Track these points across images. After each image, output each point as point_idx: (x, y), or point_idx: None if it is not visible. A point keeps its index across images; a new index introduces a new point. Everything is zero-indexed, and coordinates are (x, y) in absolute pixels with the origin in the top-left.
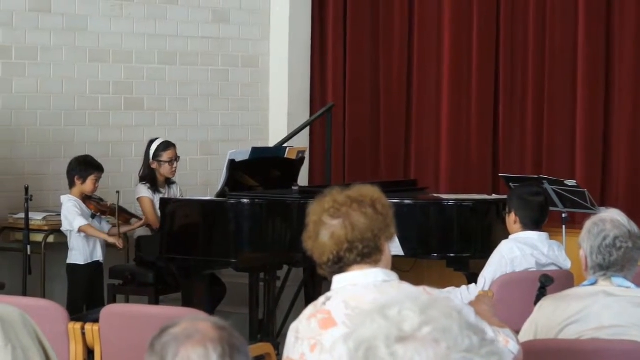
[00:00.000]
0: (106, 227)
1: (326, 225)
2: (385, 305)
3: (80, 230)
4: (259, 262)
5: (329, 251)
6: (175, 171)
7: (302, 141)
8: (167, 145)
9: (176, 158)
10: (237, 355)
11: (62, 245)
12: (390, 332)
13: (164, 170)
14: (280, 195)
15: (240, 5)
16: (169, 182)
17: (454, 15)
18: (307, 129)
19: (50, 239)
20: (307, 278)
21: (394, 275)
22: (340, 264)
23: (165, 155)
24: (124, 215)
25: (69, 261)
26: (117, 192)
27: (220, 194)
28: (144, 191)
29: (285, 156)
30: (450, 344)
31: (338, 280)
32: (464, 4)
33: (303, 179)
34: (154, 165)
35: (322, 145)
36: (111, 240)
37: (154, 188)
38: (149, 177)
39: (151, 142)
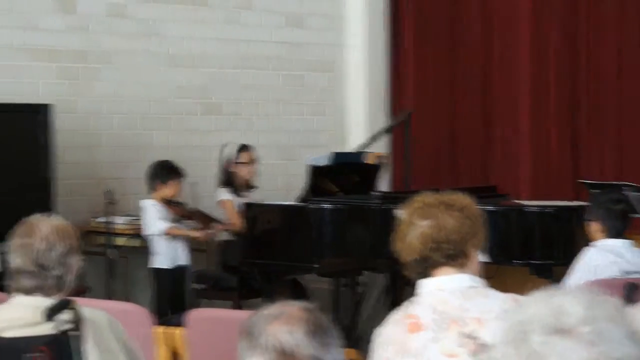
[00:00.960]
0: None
1: (415, 226)
2: (553, 293)
3: (167, 233)
4: (340, 268)
5: (416, 251)
6: (253, 173)
7: (382, 146)
8: (243, 148)
9: (254, 160)
10: (323, 335)
11: (143, 248)
12: (549, 321)
13: (243, 172)
14: (361, 201)
15: (314, 10)
16: (249, 186)
17: (533, 16)
18: (388, 134)
19: (133, 242)
20: (390, 283)
21: (480, 281)
22: (426, 264)
23: (242, 158)
24: (205, 218)
25: (154, 265)
26: (194, 183)
27: (302, 199)
28: (225, 194)
29: (365, 161)
30: (604, 349)
31: (424, 285)
32: (543, 6)
33: (383, 185)
34: (233, 168)
35: (401, 150)
36: (197, 234)
37: (235, 191)
38: (227, 180)
39: (224, 146)
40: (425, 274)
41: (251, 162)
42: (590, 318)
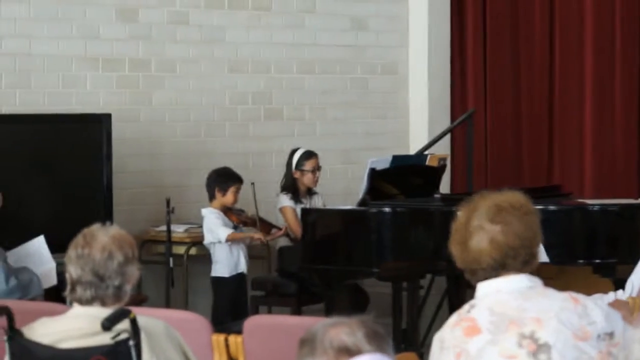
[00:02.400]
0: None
1: (485, 230)
2: None
3: (228, 240)
4: (401, 271)
5: (489, 256)
6: (317, 181)
7: (443, 148)
8: (309, 155)
9: (318, 167)
10: (381, 340)
11: (204, 257)
12: None
13: (307, 179)
14: (422, 203)
15: (378, 12)
16: (310, 192)
17: (596, 15)
18: (448, 136)
19: (192, 251)
20: (451, 286)
21: (538, 281)
22: (500, 270)
23: (308, 165)
24: (265, 225)
25: (214, 274)
26: (252, 183)
27: (362, 202)
28: (286, 201)
29: (427, 164)
30: None
31: (482, 287)
32: (606, 2)
33: (445, 187)
34: (297, 175)
35: (463, 152)
36: (258, 235)
37: (296, 198)
38: (291, 187)
39: (293, 151)
40: (490, 278)
41: (316, 169)
42: None
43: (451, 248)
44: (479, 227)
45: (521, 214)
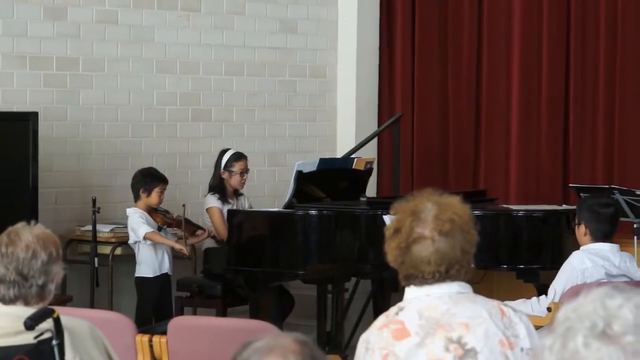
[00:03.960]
0: (172, 238)
1: (433, 240)
2: (613, 292)
3: (146, 238)
4: (327, 274)
5: (434, 267)
6: (244, 183)
7: (370, 152)
8: (239, 156)
9: (246, 170)
10: None
11: (129, 257)
12: (597, 323)
13: (234, 181)
14: (348, 207)
15: (307, 15)
16: (237, 193)
17: (524, 21)
18: (375, 140)
19: (118, 251)
20: (376, 289)
21: (468, 288)
22: (442, 280)
23: (237, 166)
24: (190, 227)
25: (137, 274)
26: (183, 205)
27: (288, 205)
28: (214, 201)
29: (353, 167)
30: None
31: (411, 291)
32: (534, 9)
33: (371, 190)
34: (224, 176)
35: (390, 155)
36: (178, 246)
37: (223, 199)
38: (218, 187)
39: (223, 152)
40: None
41: (244, 172)
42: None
43: (388, 249)
44: (426, 236)
45: (468, 227)
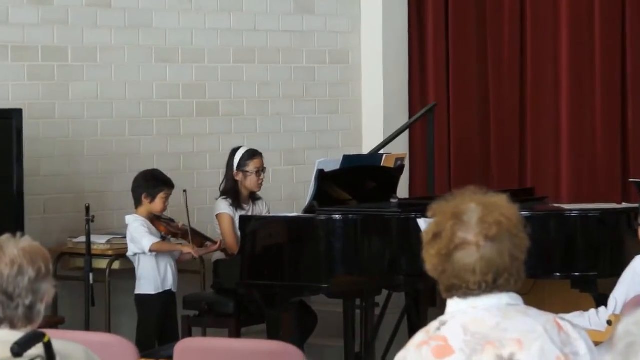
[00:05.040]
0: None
1: (478, 246)
2: None
3: (152, 250)
4: (354, 287)
5: (480, 276)
6: (262, 184)
7: (400, 147)
8: (253, 154)
9: (263, 169)
10: None
11: (128, 272)
12: None
13: (250, 182)
14: (377, 210)
15: None
16: (253, 197)
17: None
18: (407, 133)
19: (115, 265)
20: (410, 304)
21: (518, 299)
22: (489, 291)
23: (252, 165)
24: (197, 238)
25: (137, 291)
26: (184, 191)
27: (309, 209)
28: (224, 207)
29: (382, 164)
30: None
31: (455, 303)
32: None
33: (402, 190)
34: (238, 177)
35: (423, 150)
36: (187, 249)
37: (237, 204)
38: (231, 191)
39: (234, 151)
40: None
41: (260, 170)
42: None
43: (426, 257)
44: (470, 241)
45: (517, 230)
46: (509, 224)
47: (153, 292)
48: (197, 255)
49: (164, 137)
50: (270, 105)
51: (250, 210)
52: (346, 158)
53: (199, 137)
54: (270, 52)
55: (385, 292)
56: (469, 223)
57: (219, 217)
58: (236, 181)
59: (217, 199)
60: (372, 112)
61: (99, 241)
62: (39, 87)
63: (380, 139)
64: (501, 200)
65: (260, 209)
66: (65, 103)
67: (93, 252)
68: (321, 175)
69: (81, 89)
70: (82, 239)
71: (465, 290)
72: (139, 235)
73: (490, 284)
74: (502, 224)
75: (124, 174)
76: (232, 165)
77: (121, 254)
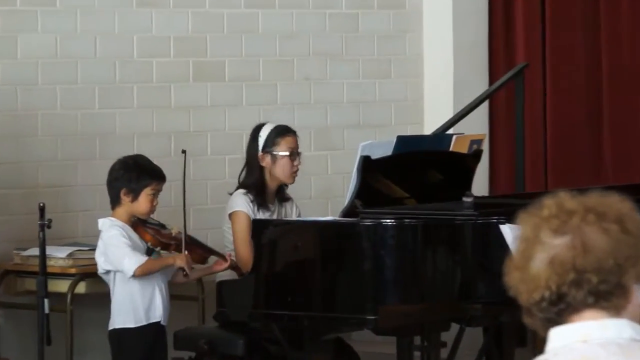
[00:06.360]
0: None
1: (544, 246)
2: None
3: (137, 275)
4: (411, 320)
5: (545, 284)
6: (297, 172)
7: (477, 125)
8: (284, 130)
9: (297, 152)
10: None
11: (99, 297)
12: None
13: (282, 168)
14: (444, 212)
15: None
16: (280, 196)
17: None
18: (486, 106)
19: (81, 288)
20: (490, 343)
21: None
22: (561, 306)
23: (284, 144)
24: (197, 249)
25: (113, 325)
26: (183, 151)
27: (349, 211)
28: (242, 203)
29: (451, 149)
30: None
31: (559, 336)
32: None
33: (480, 185)
34: (265, 162)
35: (508, 130)
36: (178, 262)
37: (260, 200)
38: (257, 182)
39: (259, 127)
40: (559, 320)
41: (295, 153)
42: None
43: (508, 278)
44: (539, 241)
45: (606, 222)
46: (622, 231)
47: (134, 326)
48: (191, 275)
49: (149, 111)
50: (296, 67)
51: (275, 212)
52: (401, 140)
53: (196, 111)
54: None
55: (455, 327)
56: (571, 230)
57: (234, 217)
58: (262, 168)
59: (230, 194)
60: (438, 77)
61: (58, 254)
62: None
63: (448, 114)
64: (615, 202)
65: (288, 213)
66: (12, 63)
67: (49, 269)
68: (366, 165)
69: (33, 44)
70: (35, 251)
71: (536, 308)
72: (118, 251)
73: (557, 292)
74: (613, 232)
75: (93, 162)
76: (257, 146)
77: (89, 273)
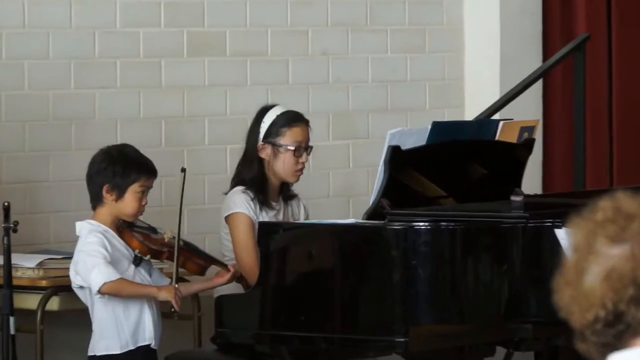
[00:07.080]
0: (160, 279)
1: (599, 256)
2: None
3: (103, 293)
4: (448, 343)
5: (600, 302)
6: (302, 170)
7: (529, 110)
8: (294, 118)
9: (307, 145)
10: None
11: (76, 315)
12: None
13: (283, 164)
14: (488, 214)
15: None
16: (285, 193)
17: None
18: (539, 87)
19: (53, 304)
20: None
21: None
22: (619, 327)
23: (289, 136)
24: (194, 258)
25: (93, 351)
26: (183, 169)
27: (375, 212)
28: (241, 203)
29: (497, 138)
30: None
31: None
32: None
33: (531, 182)
34: (265, 154)
35: (566, 117)
36: (163, 294)
37: (261, 198)
38: (255, 178)
39: (264, 110)
40: (618, 344)
41: (303, 147)
42: None
43: (558, 296)
44: (593, 251)
45: None
46: None
47: (118, 352)
48: (179, 308)
49: (135, 91)
50: (311, 39)
51: (281, 212)
52: (437, 127)
53: (192, 91)
54: None
55: (501, 352)
56: (601, 228)
57: (233, 220)
58: (261, 160)
59: (226, 193)
60: (482, 51)
61: (26, 264)
62: None
63: (494, 96)
64: None
65: (294, 213)
66: None
67: (15, 282)
68: (396, 157)
69: None
70: None
71: (589, 332)
72: (89, 260)
73: (614, 311)
74: None
75: (68, 153)
76: (257, 133)
77: (63, 286)
